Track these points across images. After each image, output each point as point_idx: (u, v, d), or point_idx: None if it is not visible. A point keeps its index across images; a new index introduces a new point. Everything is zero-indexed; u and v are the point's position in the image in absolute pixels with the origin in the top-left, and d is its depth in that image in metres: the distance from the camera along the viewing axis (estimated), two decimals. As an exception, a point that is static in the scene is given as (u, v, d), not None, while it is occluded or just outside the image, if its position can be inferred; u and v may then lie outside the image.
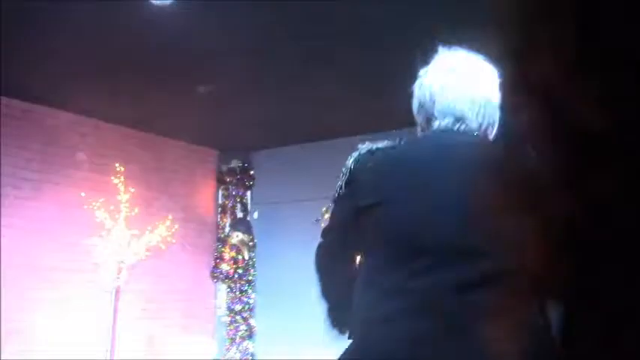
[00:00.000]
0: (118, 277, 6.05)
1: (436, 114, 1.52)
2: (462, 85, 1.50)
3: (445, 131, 1.50)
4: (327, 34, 4.36)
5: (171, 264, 6.90)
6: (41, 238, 5.75)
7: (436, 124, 1.53)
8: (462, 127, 1.49)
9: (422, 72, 1.59)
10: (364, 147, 1.53)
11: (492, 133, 1.48)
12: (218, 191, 7.66)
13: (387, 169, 1.49)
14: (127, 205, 6.09)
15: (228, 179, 7.56)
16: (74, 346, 5.83)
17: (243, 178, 7.55)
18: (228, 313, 7.19)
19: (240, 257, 7.25)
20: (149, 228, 6.34)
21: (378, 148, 1.51)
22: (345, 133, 6.63)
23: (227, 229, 7.45)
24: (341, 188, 1.52)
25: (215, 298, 7.41)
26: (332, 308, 1.59)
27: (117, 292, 6.06)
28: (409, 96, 1.62)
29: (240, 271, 7.22)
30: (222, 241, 7.40)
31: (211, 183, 7.61)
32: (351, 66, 4.92)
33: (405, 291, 1.34)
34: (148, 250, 6.35)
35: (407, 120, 1.70)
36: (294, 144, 7.09)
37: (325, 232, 1.60)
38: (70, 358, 5.73)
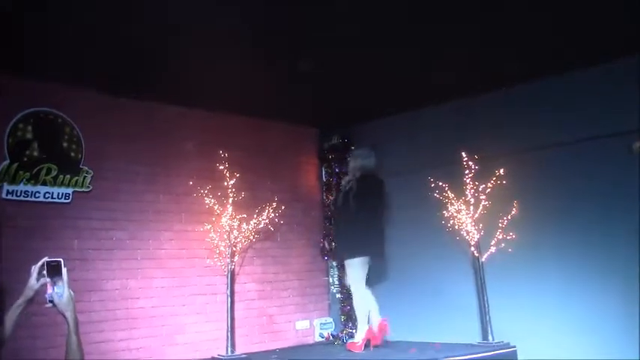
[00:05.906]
0: (232, 261, 6.22)
1: (362, 169, 5.99)
2: (367, 160, 6.05)
3: (366, 175, 5.97)
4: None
5: (281, 244, 7.00)
6: (158, 227, 6.00)
7: (361, 172, 5.99)
8: (370, 173, 6.00)
9: (354, 153, 6.38)
10: (348, 178, 6.14)
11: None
12: (321, 169, 7.67)
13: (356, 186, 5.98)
14: (234, 189, 6.22)
15: (330, 156, 7.53)
16: (199, 328, 6.07)
17: (345, 154, 7.49)
18: (341, 289, 7.21)
19: (348, 233, 7.21)
20: (256, 211, 6.45)
21: (350, 180, 6.03)
22: (443, 99, 6.43)
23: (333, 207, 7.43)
24: (343, 193, 6.05)
25: (327, 275, 7.46)
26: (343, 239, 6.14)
27: (232, 275, 6.24)
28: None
29: (349, 247, 7.18)
30: (330, 218, 7.40)
31: (314, 161, 7.63)
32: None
33: (368, 227, 5.86)
34: (257, 232, 6.47)
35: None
36: (393, 114, 6.93)
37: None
38: (198, 340, 5.99)
